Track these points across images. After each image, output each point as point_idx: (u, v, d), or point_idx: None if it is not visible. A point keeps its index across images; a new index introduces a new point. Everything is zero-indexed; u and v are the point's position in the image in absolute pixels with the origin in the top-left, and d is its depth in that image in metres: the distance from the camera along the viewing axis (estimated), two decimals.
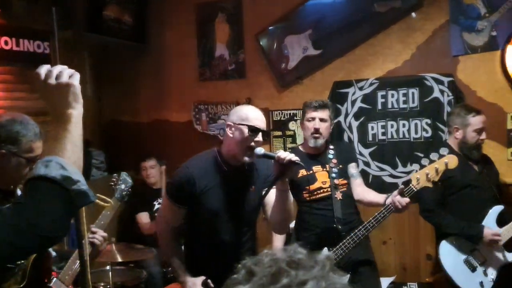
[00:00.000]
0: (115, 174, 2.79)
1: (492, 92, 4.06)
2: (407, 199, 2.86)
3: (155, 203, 4.58)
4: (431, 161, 2.93)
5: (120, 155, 5.14)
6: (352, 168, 3.28)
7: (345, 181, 3.23)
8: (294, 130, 4.70)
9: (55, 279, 2.31)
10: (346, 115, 4.45)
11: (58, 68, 1.33)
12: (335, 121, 4.46)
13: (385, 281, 4.03)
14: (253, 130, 2.41)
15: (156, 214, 4.53)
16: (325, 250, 3.02)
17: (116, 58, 5.21)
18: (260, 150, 2.39)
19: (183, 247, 2.80)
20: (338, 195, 3.16)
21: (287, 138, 4.70)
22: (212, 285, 2.49)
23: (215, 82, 4.92)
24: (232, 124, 2.46)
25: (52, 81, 1.30)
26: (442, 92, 4.19)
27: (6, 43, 3.47)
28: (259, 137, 2.43)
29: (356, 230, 2.99)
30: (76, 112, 1.33)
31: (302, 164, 2.33)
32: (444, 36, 4.19)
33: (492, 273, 3.24)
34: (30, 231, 1.13)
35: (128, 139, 5.21)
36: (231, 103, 4.84)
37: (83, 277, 1.78)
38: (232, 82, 4.88)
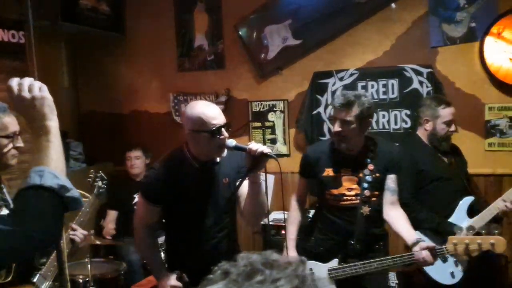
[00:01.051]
0: (92, 171, 2.76)
1: (470, 83, 4.11)
2: (432, 260, 2.58)
3: (135, 195, 4.52)
4: (478, 233, 2.88)
5: (98, 146, 5.07)
6: (391, 181, 2.79)
7: (377, 193, 2.78)
8: (273, 121, 4.68)
9: (38, 274, 2.30)
10: (326, 106, 4.45)
11: (27, 81, 1.37)
12: (315, 112, 4.47)
13: None
14: (214, 132, 2.34)
15: (135, 207, 4.50)
16: (335, 261, 2.82)
17: (93, 48, 5.12)
18: (231, 142, 2.34)
19: (164, 242, 2.79)
20: (365, 210, 2.75)
21: (267, 129, 4.68)
22: (186, 279, 2.48)
23: (194, 73, 4.88)
24: (190, 132, 2.39)
25: (26, 94, 1.35)
26: (421, 83, 4.22)
27: None
28: (224, 133, 2.36)
29: (372, 261, 2.66)
30: (54, 123, 1.37)
31: (274, 156, 2.25)
32: (423, 27, 4.21)
33: (463, 264, 3.26)
34: (30, 237, 1.20)
35: (107, 130, 5.14)
36: (210, 93, 4.81)
37: (61, 275, 1.77)
38: (211, 72, 4.84)
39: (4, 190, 2.29)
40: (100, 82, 5.16)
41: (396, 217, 2.78)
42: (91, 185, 2.69)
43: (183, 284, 2.48)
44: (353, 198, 2.77)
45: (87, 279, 3.38)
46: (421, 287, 3.72)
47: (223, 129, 2.35)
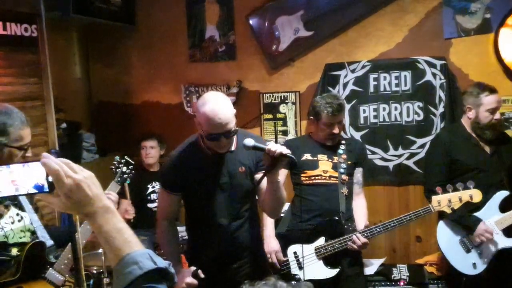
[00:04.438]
0: (116, 157, 2.74)
1: (484, 75, 4.05)
2: (364, 240, 2.99)
3: (149, 186, 4.56)
4: (455, 189, 2.99)
5: (110, 137, 5.10)
6: (358, 173, 3.27)
7: (350, 177, 3.21)
8: (285, 113, 4.68)
9: (50, 269, 2.31)
10: None
11: (64, 165, 1.17)
12: None
13: (375, 263, 4.10)
14: (211, 138, 2.36)
15: (148, 197, 4.54)
16: (322, 239, 3.08)
17: (105, 39, 5.12)
18: (249, 142, 2.31)
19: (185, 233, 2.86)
20: (345, 191, 3.16)
21: (278, 121, 4.68)
22: (202, 275, 2.50)
23: (205, 64, 4.87)
24: (198, 124, 2.40)
25: (69, 181, 1.14)
26: (434, 75, 4.19)
27: None
28: (223, 140, 2.36)
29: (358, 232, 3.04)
30: (108, 201, 1.19)
31: (293, 157, 2.30)
32: (437, 19, 4.16)
33: (487, 256, 3.26)
34: None
35: (118, 121, 5.16)
36: (222, 85, 4.80)
37: (76, 271, 1.78)
38: (222, 64, 4.82)
39: None
40: (111, 73, 5.17)
41: (356, 206, 3.24)
42: (114, 171, 2.67)
43: (199, 280, 2.49)
44: (327, 178, 3.15)
45: (101, 270, 3.42)
46: (441, 275, 3.76)
47: (222, 137, 2.34)
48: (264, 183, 2.43)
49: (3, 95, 3.57)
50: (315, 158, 3.20)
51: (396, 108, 4.32)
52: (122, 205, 4.48)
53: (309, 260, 3.04)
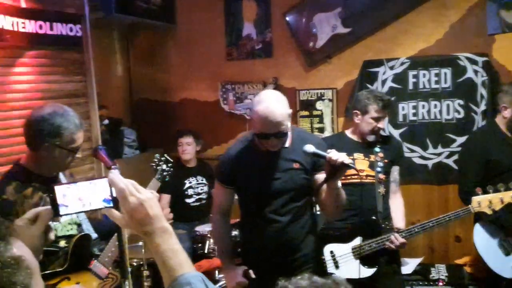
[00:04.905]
0: (156, 155, 2.81)
1: None
2: (402, 240, 2.95)
3: (186, 181, 4.64)
4: (496, 190, 2.95)
5: (150, 133, 5.22)
6: (395, 172, 3.23)
7: (386, 177, 3.16)
8: (321, 110, 4.67)
9: (95, 261, 2.39)
10: None
11: (130, 185, 1.22)
12: None
13: (412, 262, 4.05)
14: (261, 137, 2.38)
15: (186, 193, 4.62)
16: (359, 239, 3.04)
17: (145, 38, 5.24)
18: (309, 148, 2.29)
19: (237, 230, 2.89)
20: (382, 190, 3.10)
21: (314, 118, 4.68)
22: (253, 275, 2.50)
23: (242, 62, 4.91)
24: (252, 122, 2.44)
25: (133, 199, 1.19)
26: (476, 72, 4.10)
27: (40, 27, 3.50)
28: (273, 141, 2.37)
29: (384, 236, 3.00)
30: (167, 223, 1.23)
31: (354, 166, 2.25)
32: (480, 14, 4.07)
33: None
34: None
35: (158, 118, 5.27)
36: (258, 82, 4.84)
37: (122, 264, 1.85)
38: (259, 61, 4.86)
39: (63, 181, 2.41)
40: (151, 71, 5.28)
41: (393, 204, 3.19)
42: (155, 169, 2.74)
43: (249, 280, 2.51)
44: (364, 177, 3.08)
45: (141, 262, 3.51)
46: (481, 277, 3.69)
47: (272, 137, 2.35)
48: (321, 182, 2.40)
49: (49, 92, 3.71)
50: (351, 157, 3.13)
51: (435, 106, 4.25)
52: (162, 200, 4.59)
53: (345, 260, 3.03)
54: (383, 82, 4.37)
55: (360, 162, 3.14)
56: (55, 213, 1.26)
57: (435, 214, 3.14)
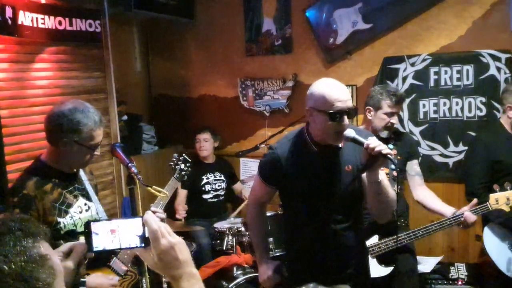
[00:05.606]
0: (175, 154, 2.82)
1: None
2: (475, 217, 2.94)
3: (203, 177, 4.65)
4: (504, 189, 2.95)
5: (169, 129, 5.24)
6: (415, 165, 3.18)
7: (401, 175, 3.08)
8: None
9: (114, 258, 2.41)
10: None
11: (163, 227, 1.24)
12: None
13: (432, 261, 3.99)
14: (334, 116, 2.15)
15: (203, 188, 4.64)
16: (375, 237, 3.03)
17: (164, 33, 5.25)
18: (350, 133, 2.15)
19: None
20: (395, 188, 3.01)
21: None
22: (286, 273, 2.44)
23: (261, 58, 4.89)
24: (311, 110, 2.24)
25: (165, 242, 1.21)
26: (498, 69, 4.01)
27: (60, 23, 3.54)
28: (345, 120, 2.17)
29: (416, 230, 3.00)
30: (195, 269, 1.25)
31: (394, 160, 2.08)
32: (503, 10, 3.97)
33: None
34: None
35: (177, 113, 5.29)
36: (278, 78, 4.82)
37: (141, 262, 1.86)
38: (278, 57, 4.83)
39: (83, 178, 2.43)
40: (170, 67, 5.30)
41: (428, 196, 3.15)
42: (173, 168, 2.75)
43: (282, 278, 2.45)
44: None
45: None
46: (492, 279, 3.63)
47: (344, 115, 2.16)
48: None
49: (68, 88, 3.75)
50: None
51: (457, 103, 4.18)
52: (179, 196, 4.61)
53: None
54: (404, 79, 4.31)
55: None
56: (89, 249, 1.29)
57: None
